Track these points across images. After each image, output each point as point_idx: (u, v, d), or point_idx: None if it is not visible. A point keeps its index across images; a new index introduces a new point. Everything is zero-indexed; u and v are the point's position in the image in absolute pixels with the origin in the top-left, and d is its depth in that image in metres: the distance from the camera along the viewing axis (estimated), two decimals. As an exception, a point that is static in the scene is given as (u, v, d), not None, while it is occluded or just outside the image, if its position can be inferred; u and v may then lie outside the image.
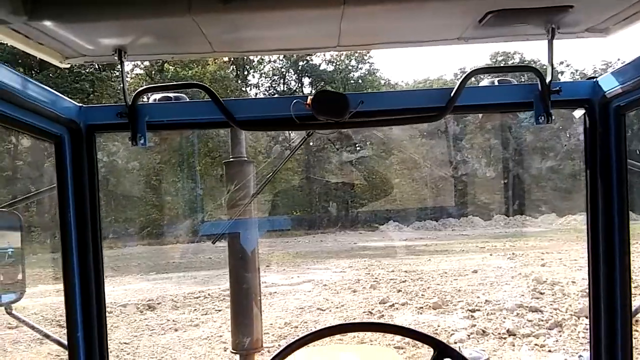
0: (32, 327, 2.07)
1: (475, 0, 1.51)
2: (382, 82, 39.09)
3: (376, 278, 13.69)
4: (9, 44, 1.55)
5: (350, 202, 35.09)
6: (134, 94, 1.80)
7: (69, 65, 1.78)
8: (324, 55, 38.99)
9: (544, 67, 1.85)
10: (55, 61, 1.73)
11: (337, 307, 10.77)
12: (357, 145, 35.64)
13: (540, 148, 35.11)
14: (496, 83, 1.91)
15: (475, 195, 34.53)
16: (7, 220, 2.03)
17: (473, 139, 34.90)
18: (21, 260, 1.98)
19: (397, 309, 10.39)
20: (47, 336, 2.10)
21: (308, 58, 37.62)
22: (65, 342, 1.86)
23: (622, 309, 1.87)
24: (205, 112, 1.86)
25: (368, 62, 39.05)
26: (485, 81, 1.95)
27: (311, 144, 35.94)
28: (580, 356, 2.23)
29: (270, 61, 38.35)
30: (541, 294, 10.69)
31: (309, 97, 1.76)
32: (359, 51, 37.20)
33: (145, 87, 1.85)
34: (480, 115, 2.12)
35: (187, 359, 7.54)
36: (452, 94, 1.80)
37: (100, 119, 1.87)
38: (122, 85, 1.84)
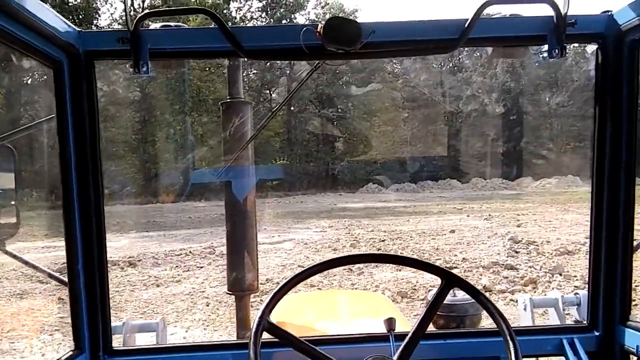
0: (27, 264, 2.06)
1: None
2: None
3: (356, 237, 13.88)
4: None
5: (330, 164, 35.17)
6: (135, 19, 1.72)
7: None
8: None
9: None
10: None
11: (317, 265, 10.93)
12: (338, 107, 35.48)
13: (523, 112, 35.42)
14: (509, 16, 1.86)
15: (454, 158, 34.92)
16: None
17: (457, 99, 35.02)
18: (14, 200, 1.93)
19: (377, 266, 10.58)
20: (43, 272, 2.10)
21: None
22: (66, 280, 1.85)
23: (623, 248, 1.91)
24: (211, 39, 1.78)
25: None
26: (499, 15, 1.90)
27: (292, 108, 35.58)
28: (576, 294, 2.28)
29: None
30: (516, 252, 10.99)
31: (320, 25, 1.69)
32: None
33: (147, 11, 1.78)
34: (489, 52, 2.04)
35: (169, 313, 7.62)
36: (465, 25, 1.75)
37: (101, 44, 1.78)
38: (124, 8, 1.77)
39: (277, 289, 1.60)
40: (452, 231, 14.18)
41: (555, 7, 1.75)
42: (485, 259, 10.50)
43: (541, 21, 1.82)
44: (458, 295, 2.48)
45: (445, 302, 1.84)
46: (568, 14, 1.76)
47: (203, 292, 8.83)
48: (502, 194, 28.00)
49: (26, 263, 2.03)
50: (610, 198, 1.92)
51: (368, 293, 6.16)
